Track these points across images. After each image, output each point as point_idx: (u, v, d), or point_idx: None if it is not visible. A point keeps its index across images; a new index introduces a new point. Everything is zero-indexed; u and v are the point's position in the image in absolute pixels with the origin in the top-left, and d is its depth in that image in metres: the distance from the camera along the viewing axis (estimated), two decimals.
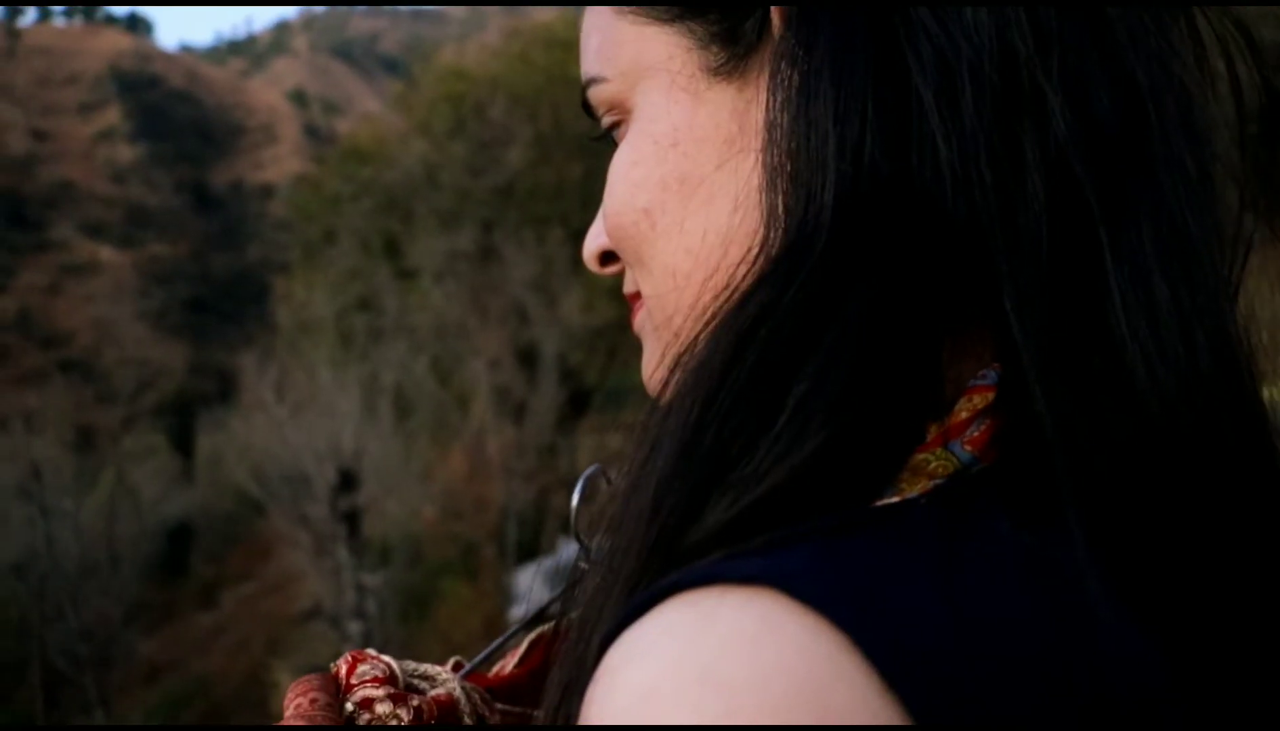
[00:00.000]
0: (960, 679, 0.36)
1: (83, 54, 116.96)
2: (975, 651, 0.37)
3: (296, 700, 0.60)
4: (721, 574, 0.38)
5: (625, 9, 0.55)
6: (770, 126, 0.49)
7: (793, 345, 0.43)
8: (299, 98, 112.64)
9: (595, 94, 0.57)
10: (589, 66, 0.57)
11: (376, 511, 18.35)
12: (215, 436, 25.49)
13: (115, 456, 28.38)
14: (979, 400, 0.47)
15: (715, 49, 0.52)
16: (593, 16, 0.57)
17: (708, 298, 0.49)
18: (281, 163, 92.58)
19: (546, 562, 15.43)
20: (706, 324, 0.47)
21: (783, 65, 0.49)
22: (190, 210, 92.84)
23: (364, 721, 0.61)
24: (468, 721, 0.64)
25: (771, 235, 0.47)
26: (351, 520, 17.08)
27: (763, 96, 0.50)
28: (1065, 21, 0.47)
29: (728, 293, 0.47)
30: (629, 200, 0.54)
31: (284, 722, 0.59)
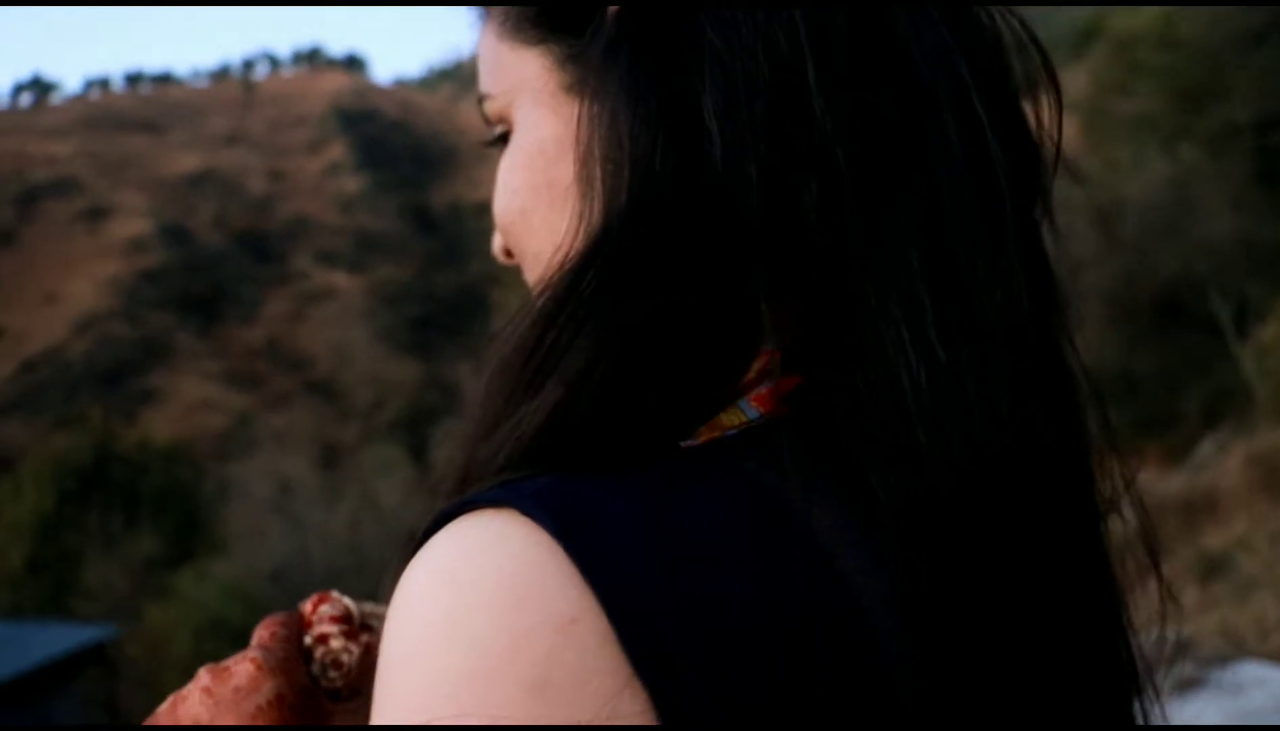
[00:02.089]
0: (650, 580, 0.44)
1: (308, 96, 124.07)
2: (668, 559, 0.45)
3: (260, 633, 0.69)
4: (475, 501, 0.48)
5: (505, 33, 0.62)
6: (584, 140, 0.55)
7: (580, 328, 0.51)
8: None
9: (487, 108, 0.64)
10: (482, 84, 0.64)
11: None
12: (448, 447, 26.69)
13: (357, 470, 30.18)
14: (767, 362, 0.54)
15: (570, 68, 0.59)
16: (483, 40, 0.65)
17: None
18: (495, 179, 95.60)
19: None
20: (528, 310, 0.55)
21: (596, 84, 0.56)
22: (413, 233, 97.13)
23: (319, 654, 0.69)
24: None
25: (578, 236, 0.54)
26: None
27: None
28: (849, 22, 0.53)
29: (540, 284, 0.55)
30: (509, 202, 0.62)
31: (249, 650, 0.67)
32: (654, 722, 0.42)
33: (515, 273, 0.64)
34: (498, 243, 0.66)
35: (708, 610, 0.44)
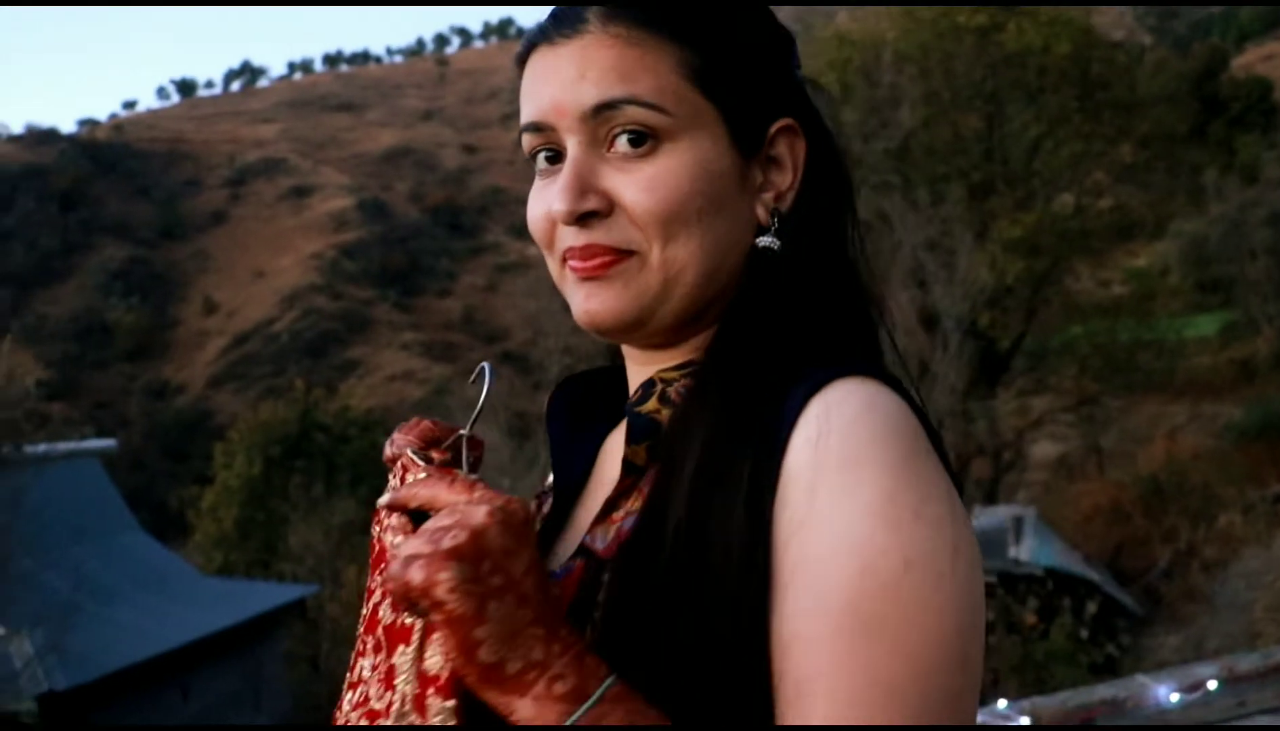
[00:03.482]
0: (919, 413, 0.84)
1: (500, 70, 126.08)
2: (916, 402, 0.85)
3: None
4: (847, 371, 0.82)
5: (699, 80, 0.88)
6: (772, 203, 0.93)
7: (779, 301, 0.90)
8: None
9: (641, 116, 0.87)
10: (645, 93, 0.87)
11: None
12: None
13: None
14: None
15: (737, 140, 0.91)
16: (647, 57, 0.87)
17: (720, 271, 0.91)
18: None
19: None
20: (731, 286, 0.92)
21: (785, 168, 0.94)
22: None
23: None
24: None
25: (763, 252, 0.93)
26: None
27: (756, 173, 0.93)
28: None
29: (741, 272, 0.92)
30: (693, 196, 0.88)
31: (491, 493, 0.77)
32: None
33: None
34: (585, 205, 0.88)
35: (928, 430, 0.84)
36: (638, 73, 0.86)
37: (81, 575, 15.13)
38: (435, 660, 0.74)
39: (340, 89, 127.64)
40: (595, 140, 0.88)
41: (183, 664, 15.63)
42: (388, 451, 0.97)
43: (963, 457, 19.58)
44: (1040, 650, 12.19)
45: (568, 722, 0.71)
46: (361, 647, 0.90)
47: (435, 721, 0.72)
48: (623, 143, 0.87)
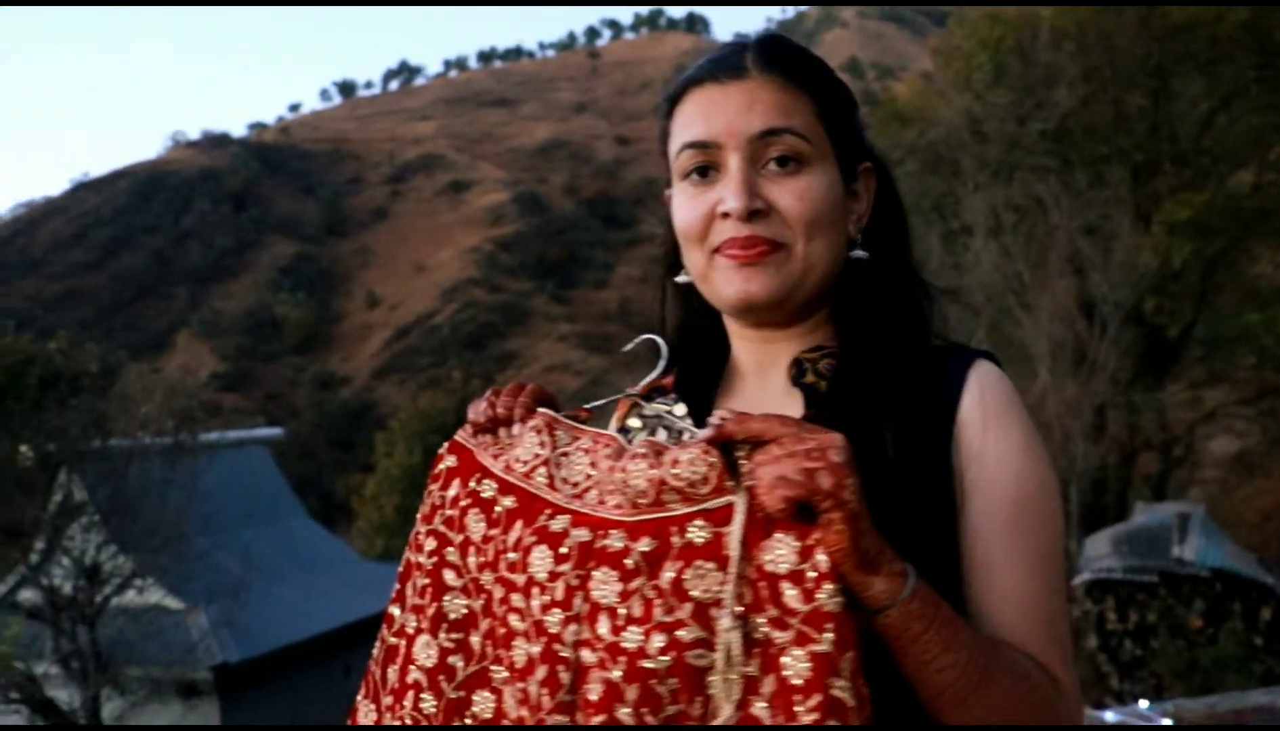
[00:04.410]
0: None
1: (652, 60, 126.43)
2: None
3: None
4: (980, 355, 1.16)
5: (828, 123, 1.16)
6: (857, 224, 1.21)
7: (882, 298, 1.21)
8: (853, 67, 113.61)
9: (795, 143, 1.13)
10: (799, 126, 1.13)
11: None
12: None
13: None
14: None
15: (841, 172, 1.18)
16: (796, 101, 1.14)
17: (833, 270, 1.17)
18: None
19: (1119, 528, 14.23)
20: (835, 278, 1.19)
21: (862, 199, 1.22)
22: None
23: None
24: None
25: (851, 261, 1.20)
26: None
27: (846, 202, 1.19)
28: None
29: (841, 271, 1.20)
30: (826, 208, 1.15)
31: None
32: None
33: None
34: (754, 203, 1.12)
35: None
36: (792, 111, 1.13)
37: (251, 556, 15.89)
38: (784, 560, 0.90)
39: (495, 85, 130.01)
40: (754, 158, 1.13)
41: (344, 642, 16.24)
42: (487, 411, 1.13)
43: (1127, 451, 18.80)
44: (1207, 656, 11.60)
45: (905, 592, 0.94)
46: (511, 589, 1.02)
47: (830, 603, 0.88)
48: (774, 162, 1.13)
